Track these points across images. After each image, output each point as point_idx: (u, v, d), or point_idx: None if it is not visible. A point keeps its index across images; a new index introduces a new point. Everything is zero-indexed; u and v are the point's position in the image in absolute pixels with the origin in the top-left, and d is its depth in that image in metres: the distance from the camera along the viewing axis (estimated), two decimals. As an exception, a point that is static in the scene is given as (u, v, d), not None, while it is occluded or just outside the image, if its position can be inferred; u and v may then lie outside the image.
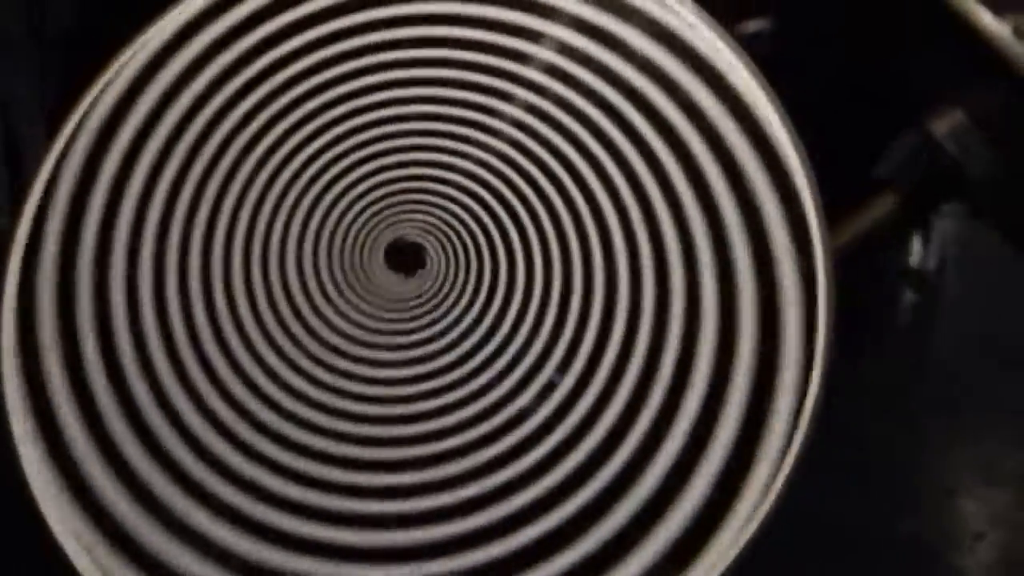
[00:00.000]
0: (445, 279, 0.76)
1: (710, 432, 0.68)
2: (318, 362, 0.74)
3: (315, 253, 0.76)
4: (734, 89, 0.71)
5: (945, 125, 0.82)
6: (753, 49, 0.73)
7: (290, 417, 0.72)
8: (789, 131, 0.68)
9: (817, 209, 0.68)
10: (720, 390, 0.69)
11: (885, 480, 1.15)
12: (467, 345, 0.74)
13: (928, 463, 1.21)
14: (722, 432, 0.68)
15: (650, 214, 0.73)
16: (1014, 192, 0.84)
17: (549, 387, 0.73)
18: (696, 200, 0.71)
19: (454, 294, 0.76)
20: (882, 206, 0.85)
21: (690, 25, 0.72)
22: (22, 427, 0.68)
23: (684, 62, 0.72)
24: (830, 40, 0.94)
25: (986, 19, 0.78)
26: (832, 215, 0.71)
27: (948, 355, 1.40)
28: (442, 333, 0.75)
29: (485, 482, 0.70)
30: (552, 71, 0.76)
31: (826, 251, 0.67)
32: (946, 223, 1.49)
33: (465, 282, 0.76)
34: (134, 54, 0.75)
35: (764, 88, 0.69)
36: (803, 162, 0.68)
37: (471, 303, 0.75)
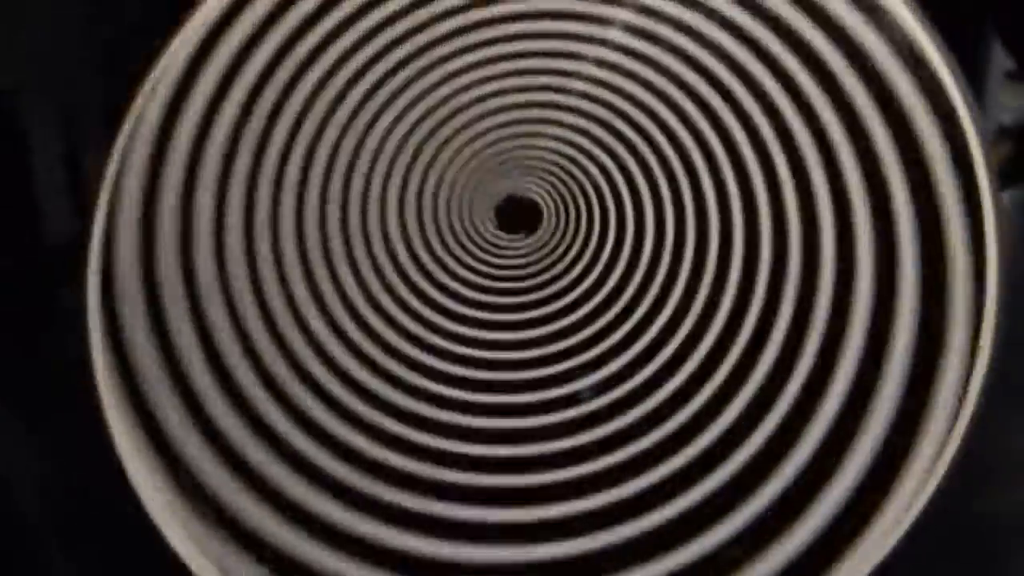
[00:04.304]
0: (561, 236, 0.71)
1: (866, 404, 0.60)
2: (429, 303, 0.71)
3: (420, 207, 0.73)
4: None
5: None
6: None
7: (404, 361, 0.68)
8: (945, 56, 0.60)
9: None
10: (877, 354, 0.61)
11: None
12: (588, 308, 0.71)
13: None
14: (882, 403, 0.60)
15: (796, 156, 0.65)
16: None
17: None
18: (847, 134, 0.66)
19: (571, 252, 0.72)
20: (996, 154, 0.82)
21: None
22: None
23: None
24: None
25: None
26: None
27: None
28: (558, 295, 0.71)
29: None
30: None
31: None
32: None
33: (586, 238, 0.70)
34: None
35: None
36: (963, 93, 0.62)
37: (591, 262, 0.72)
